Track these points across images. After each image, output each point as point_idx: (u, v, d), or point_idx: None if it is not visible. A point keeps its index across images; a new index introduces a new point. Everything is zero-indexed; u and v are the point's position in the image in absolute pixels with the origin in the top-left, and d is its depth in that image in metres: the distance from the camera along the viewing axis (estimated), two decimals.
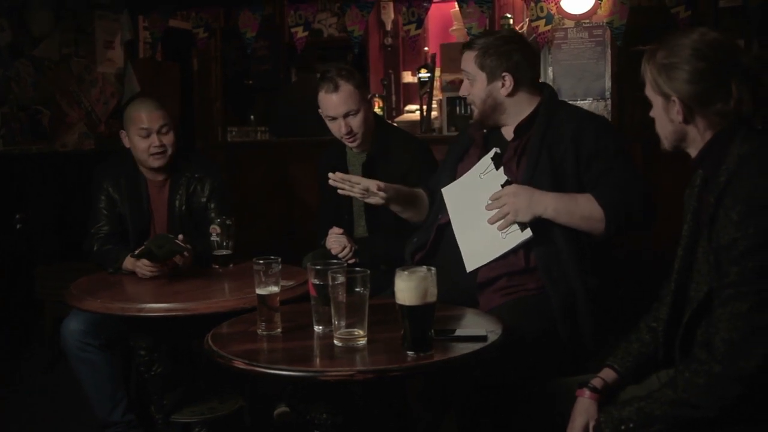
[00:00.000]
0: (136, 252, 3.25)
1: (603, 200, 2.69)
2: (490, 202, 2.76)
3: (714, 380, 1.88)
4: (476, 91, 2.98)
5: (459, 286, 2.79)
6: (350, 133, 3.61)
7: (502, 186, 2.78)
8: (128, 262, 3.36)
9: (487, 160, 2.90)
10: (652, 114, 2.14)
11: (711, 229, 1.96)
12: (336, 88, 3.57)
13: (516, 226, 2.73)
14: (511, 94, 2.95)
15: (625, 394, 2.22)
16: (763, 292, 1.85)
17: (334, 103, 3.58)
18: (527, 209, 2.69)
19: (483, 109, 2.99)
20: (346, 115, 3.58)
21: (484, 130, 3.08)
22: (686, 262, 2.14)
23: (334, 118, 3.62)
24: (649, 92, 2.12)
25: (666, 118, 2.09)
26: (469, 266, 2.83)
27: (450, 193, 3.00)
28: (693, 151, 2.11)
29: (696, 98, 2.02)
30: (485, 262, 2.81)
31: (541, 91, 3.02)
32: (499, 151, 2.91)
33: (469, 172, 2.97)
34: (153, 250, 3.20)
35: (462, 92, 3.06)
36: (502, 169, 2.85)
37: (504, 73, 2.93)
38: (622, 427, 2.00)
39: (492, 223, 2.74)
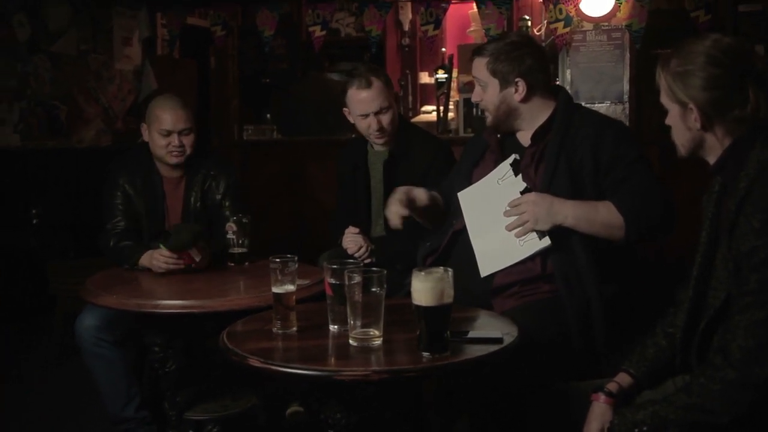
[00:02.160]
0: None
1: (623, 207, 2.67)
2: (508, 208, 2.75)
3: (728, 386, 1.88)
4: (489, 97, 2.96)
5: (472, 292, 2.76)
6: (381, 129, 3.62)
7: (521, 193, 2.77)
8: (144, 260, 3.37)
9: (505, 166, 2.89)
10: (668, 121, 2.12)
11: (731, 236, 1.94)
12: (369, 84, 3.57)
13: (534, 234, 2.71)
14: (524, 100, 2.92)
15: (640, 398, 2.21)
16: None
17: (368, 100, 3.59)
18: (547, 217, 2.68)
19: (497, 115, 2.97)
20: (378, 112, 3.58)
21: (499, 135, 3.06)
22: (704, 269, 2.12)
23: (365, 116, 3.62)
24: (665, 100, 2.11)
25: (683, 126, 2.08)
26: (484, 271, 2.81)
27: (466, 197, 2.99)
28: (711, 159, 2.10)
29: (713, 105, 2.00)
30: (501, 268, 2.79)
31: (556, 95, 3.00)
32: (518, 157, 2.89)
33: (487, 177, 2.95)
34: (171, 236, 3.23)
35: (474, 99, 3.05)
36: (521, 175, 2.83)
37: (517, 79, 2.90)
38: (636, 430, 1.99)
39: (510, 230, 2.73)
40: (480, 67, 2.96)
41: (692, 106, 2.02)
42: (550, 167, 2.82)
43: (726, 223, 1.99)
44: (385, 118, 3.60)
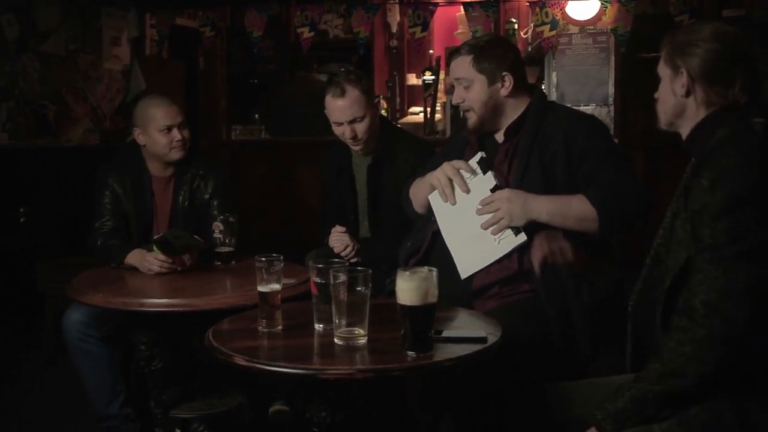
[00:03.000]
0: (154, 238, 3.28)
1: (595, 200, 2.69)
2: (480, 207, 2.77)
3: (698, 345, 1.91)
4: (475, 95, 2.95)
5: (452, 294, 2.73)
6: (355, 138, 3.61)
7: (492, 191, 2.78)
8: (131, 258, 3.38)
9: (473, 164, 2.90)
10: (656, 94, 2.22)
11: (686, 199, 2.02)
12: (342, 93, 3.56)
13: (510, 231, 2.73)
14: (510, 95, 2.94)
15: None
16: (737, 255, 1.90)
17: (340, 109, 3.58)
18: (522, 213, 2.70)
19: (483, 113, 2.96)
20: (351, 121, 3.57)
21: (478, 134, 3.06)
22: (665, 239, 2.18)
23: (339, 123, 3.61)
24: (661, 67, 2.21)
25: (670, 91, 2.17)
26: (464, 273, 2.81)
27: (437, 199, 2.97)
28: (684, 131, 2.19)
29: (703, 74, 2.10)
30: (480, 268, 2.80)
31: (531, 92, 3.02)
32: (484, 154, 2.91)
33: None
34: (170, 240, 3.23)
35: (456, 100, 3.02)
36: (491, 173, 2.84)
37: (504, 73, 2.93)
38: (620, 418, 2.00)
39: (485, 229, 2.75)
40: (464, 65, 2.96)
41: (684, 70, 2.12)
42: (522, 163, 2.84)
43: (682, 188, 2.08)
44: (359, 127, 3.59)
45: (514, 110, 2.97)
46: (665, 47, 2.20)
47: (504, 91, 2.93)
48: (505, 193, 2.73)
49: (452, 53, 3.04)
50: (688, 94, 2.14)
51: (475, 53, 2.94)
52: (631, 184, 2.77)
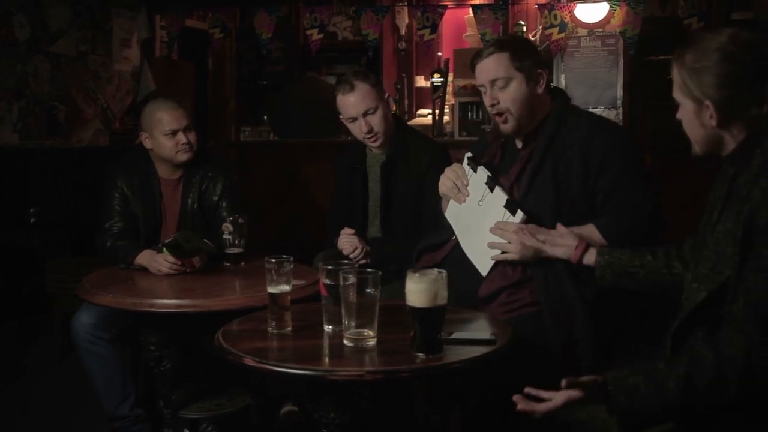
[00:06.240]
0: (165, 242, 3.29)
1: (606, 232, 2.68)
2: (496, 219, 2.77)
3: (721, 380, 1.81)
4: (512, 94, 2.81)
5: (463, 302, 2.69)
6: (371, 131, 3.62)
7: (486, 184, 2.81)
8: (141, 258, 3.39)
9: (464, 167, 2.94)
10: (679, 116, 2.05)
11: (740, 209, 1.88)
12: (352, 88, 3.60)
13: (508, 214, 2.74)
14: (542, 92, 2.86)
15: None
16: None
17: (352, 103, 3.61)
18: (533, 256, 2.69)
19: (521, 114, 2.83)
20: (365, 114, 3.60)
21: (502, 139, 3.00)
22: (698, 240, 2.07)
23: (354, 119, 3.63)
24: (678, 95, 2.02)
25: (698, 123, 2.00)
26: (483, 270, 2.80)
27: (449, 212, 3.01)
28: (724, 152, 2.03)
29: (729, 103, 1.93)
30: (494, 261, 2.79)
31: (553, 94, 2.95)
32: (470, 154, 2.93)
33: (468, 201, 2.94)
34: (180, 243, 3.24)
35: (489, 102, 2.86)
36: (481, 168, 2.86)
37: (540, 70, 2.84)
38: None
39: (492, 248, 2.75)
40: (501, 63, 2.82)
41: (708, 103, 1.94)
42: (533, 170, 2.80)
43: (736, 197, 1.93)
44: (374, 119, 3.61)
45: (541, 112, 2.88)
46: (674, 71, 2.01)
47: (539, 89, 2.84)
48: (523, 236, 2.69)
49: (477, 55, 2.90)
50: (721, 126, 1.96)
51: (512, 50, 2.83)
52: (645, 207, 2.74)
